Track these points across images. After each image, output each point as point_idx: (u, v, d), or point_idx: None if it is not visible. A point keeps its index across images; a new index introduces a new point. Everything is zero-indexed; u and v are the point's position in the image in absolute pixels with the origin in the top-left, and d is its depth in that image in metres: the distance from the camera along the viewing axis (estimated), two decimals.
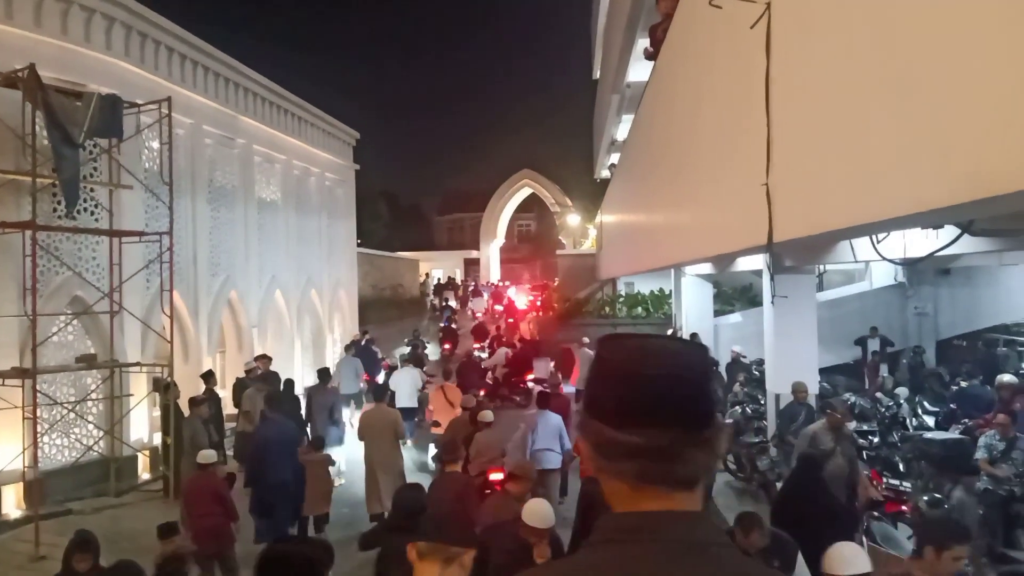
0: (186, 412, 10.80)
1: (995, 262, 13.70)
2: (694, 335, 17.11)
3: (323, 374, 12.55)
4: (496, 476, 8.68)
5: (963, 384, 12.39)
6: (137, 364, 11.63)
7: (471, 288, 39.80)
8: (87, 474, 10.95)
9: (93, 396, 11.34)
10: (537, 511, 4.86)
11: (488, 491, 8.40)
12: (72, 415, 10.97)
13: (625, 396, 1.07)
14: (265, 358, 13.48)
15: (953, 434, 9.53)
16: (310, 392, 12.70)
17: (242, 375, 13.53)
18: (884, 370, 15.41)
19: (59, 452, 10.88)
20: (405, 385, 13.44)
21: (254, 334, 16.13)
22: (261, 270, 16.61)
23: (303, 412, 12.04)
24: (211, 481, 7.85)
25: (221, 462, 9.31)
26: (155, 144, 12.60)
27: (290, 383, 12.66)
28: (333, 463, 9.74)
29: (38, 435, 9.81)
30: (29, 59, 9.58)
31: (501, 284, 43.45)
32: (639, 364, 1.08)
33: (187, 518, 7.68)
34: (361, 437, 9.68)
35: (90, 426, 11.27)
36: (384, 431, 9.51)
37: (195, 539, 7.48)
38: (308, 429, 11.50)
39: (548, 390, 11.40)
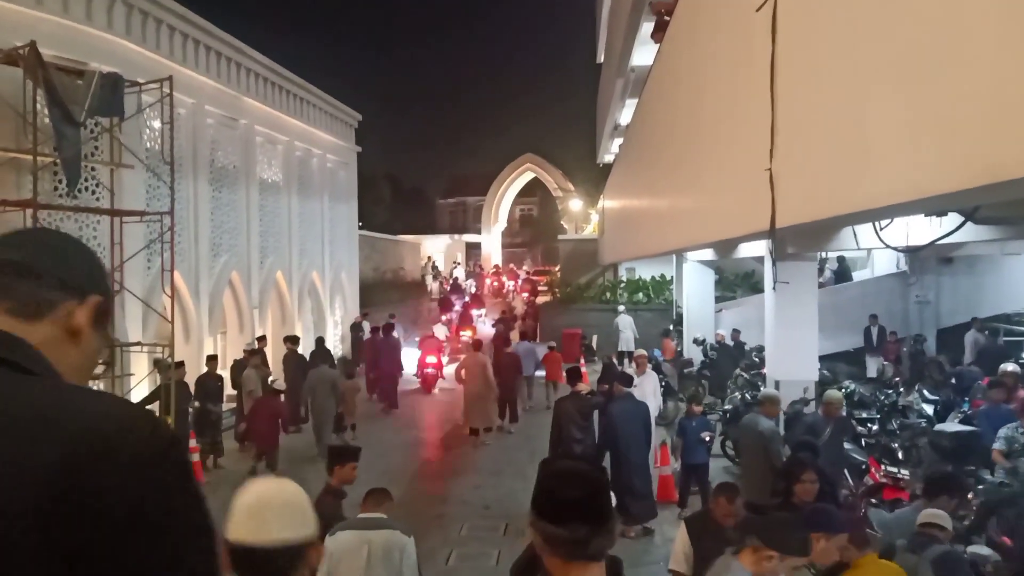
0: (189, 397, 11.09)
1: (997, 251, 13.68)
2: (696, 340, 17.04)
3: (387, 328, 17.21)
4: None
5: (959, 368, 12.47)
6: (138, 344, 11.64)
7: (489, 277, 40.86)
8: None
9: (93, 375, 11.36)
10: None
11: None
12: None
13: (558, 507, 1.77)
14: (295, 338, 15.13)
15: (965, 427, 9.18)
16: (376, 341, 16.91)
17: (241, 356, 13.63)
18: (881, 359, 15.44)
19: None
20: None
21: (255, 315, 16.15)
22: (262, 251, 16.60)
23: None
24: (272, 402, 11.15)
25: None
26: (156, 124, 12.53)
27: (321, 340, 16.70)
28: (359, 389, 13.77)
29: None
30: (30, 36, 9.51)
31: (506, 269, 44.20)
32: (565, 488, 1.80)
33: (250, 427, 11.09)
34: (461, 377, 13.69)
35: None
36: (478, 370, 13.09)
37: (257, 440, 10.99)
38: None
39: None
